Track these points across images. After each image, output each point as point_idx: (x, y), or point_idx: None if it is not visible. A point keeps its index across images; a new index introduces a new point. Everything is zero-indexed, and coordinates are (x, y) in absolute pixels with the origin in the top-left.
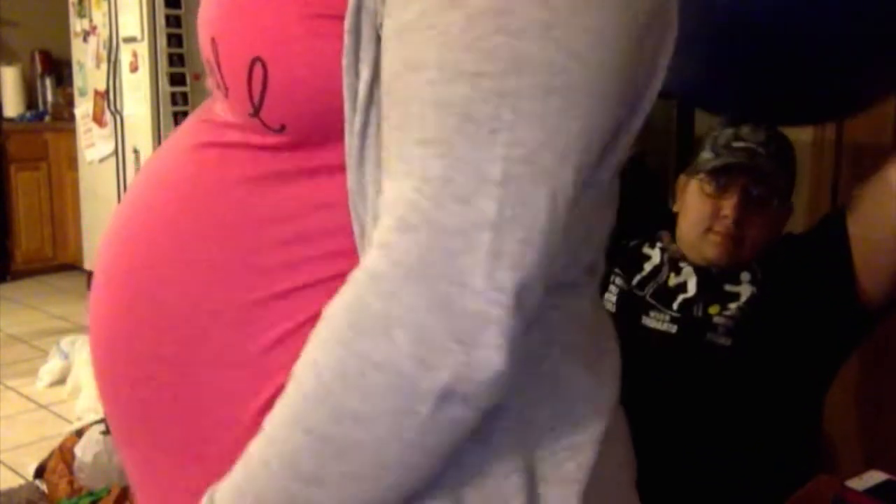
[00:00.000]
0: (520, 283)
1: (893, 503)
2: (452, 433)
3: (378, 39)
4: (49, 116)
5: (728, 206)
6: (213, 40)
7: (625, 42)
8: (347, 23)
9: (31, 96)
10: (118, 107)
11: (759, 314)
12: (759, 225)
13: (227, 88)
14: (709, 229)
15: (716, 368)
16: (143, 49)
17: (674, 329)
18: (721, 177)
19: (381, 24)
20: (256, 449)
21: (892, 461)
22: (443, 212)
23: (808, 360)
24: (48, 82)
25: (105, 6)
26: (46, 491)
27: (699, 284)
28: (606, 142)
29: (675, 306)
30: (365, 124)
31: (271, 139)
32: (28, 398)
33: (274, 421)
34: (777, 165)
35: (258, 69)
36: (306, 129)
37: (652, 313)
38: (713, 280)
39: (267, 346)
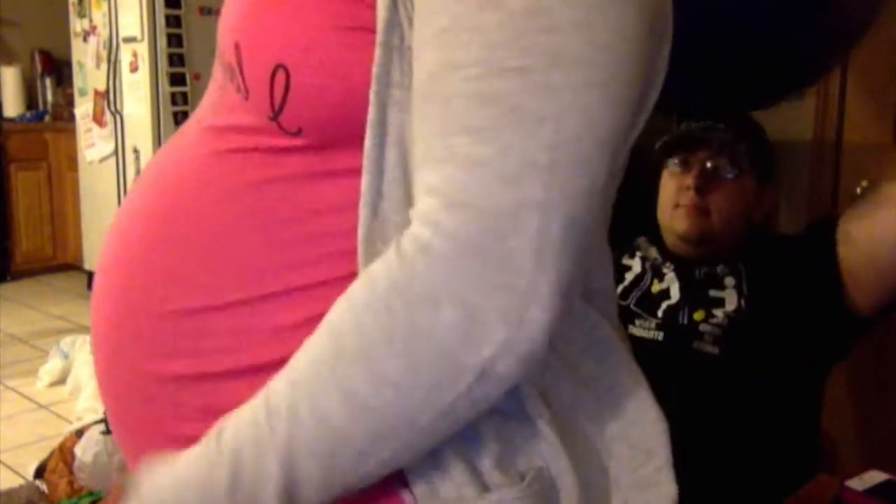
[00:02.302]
0: (564, 265)
1: (893, 503)
2: (481, 407)
3: (405, 50)
4: (49, 116)
5: (689, 178)
6: (236, 45)
7: (643, 38)
8: (380, 37)
9: (31, 96)
10: (118, 107)
11: (746, 322)
12: (723, 194)
13: (248, 91)
14: (676, 205)
15: (705, 377)
16: (143, 49)
17: (660, 336)
18: (680, 153)
19: (406, 36)
20: (283, 391)
21: (892, 461)
22: (492, 193)
23: (798, 366)
24: (48, 82)
25: (105, 6)
26: (46, 491)
27: (682, 290)
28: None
29: (659, 313)
30: (385, 129)
31: (286, 142)
32: (28, 398)
33: (303, 369)
34: (735, 136)
35: (281, 75)
36: (322, 134)
37: (637, 322)
38: (697, 284)
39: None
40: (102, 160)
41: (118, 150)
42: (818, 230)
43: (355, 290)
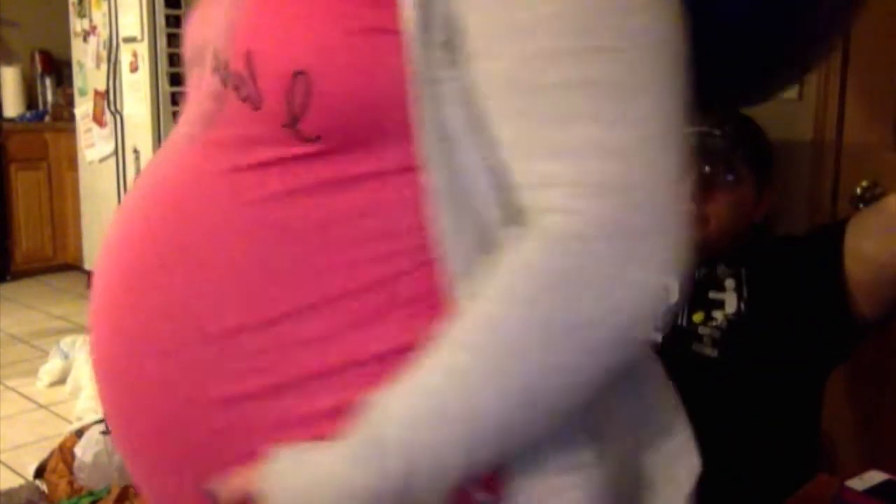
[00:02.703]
0: (686, 237)
1: (893, 503)
2: (614, 379)
3: (446, 48)
4: (49, 116)
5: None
6: (247, 54)
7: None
8: (417, 35)
9: (31, 96)
10: (118, 107)
11: (745, 325)
12: (721, 201)
13: (260, 100)
14: None
15: (704, 379)
16: (143, 49)
17: (658, 338)
18: None
19: (450, 32)
20: (447, 390)
21: (892, 461)
22: (622, 172)
23: (798, 368)
24: (48, 82)
25: (105, 6)
26: (46, 491)
27: (681, 292)
28: None
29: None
30: (444, 126)
31: (304, 149)
32: (28, 398)
33: (467, 364)
34: (732, 144)
35: (301, 82)
36: (343, 139)
37: None
38: (696, 286)
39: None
40: (102, 160)
41: (118, 150)
42: (825, 236)
43: (512, 285)
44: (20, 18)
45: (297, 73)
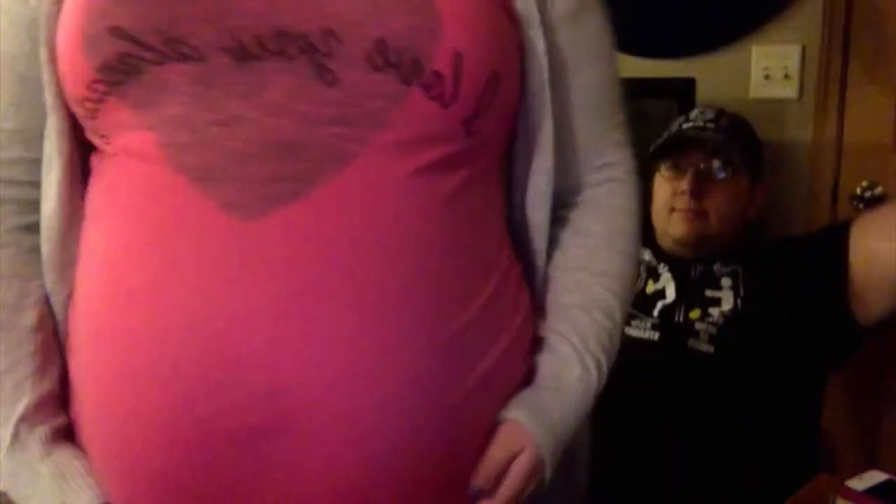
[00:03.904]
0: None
1: (893, 503)
2: None
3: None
4: None
5: (684, 182)
6: (456, 55)
7: None
8: (542, 46)
9: None
10: None
11: (742, 322)
12: (718, 196)
13: (454, 100)
14: (672, 209)
15: (701, 375)
16: None
17: (656, 336)
18: (672, 157)
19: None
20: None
21: (892, 461)
22: (631, 157)
23: (795, 366)
24: None
25: None
26: None
27: (678, 290)
28: None
29: (655, 313)
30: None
31: (466, 145)
32: None
33: (610, 290)
34: (727, 138)
35: (493, 84)
36: (490, 137)
37: (633, 322)
38: (693, 283)
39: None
40: None
41: None
42: (829, 236)
43: (623, 221)
44: None
45: (493, 76)
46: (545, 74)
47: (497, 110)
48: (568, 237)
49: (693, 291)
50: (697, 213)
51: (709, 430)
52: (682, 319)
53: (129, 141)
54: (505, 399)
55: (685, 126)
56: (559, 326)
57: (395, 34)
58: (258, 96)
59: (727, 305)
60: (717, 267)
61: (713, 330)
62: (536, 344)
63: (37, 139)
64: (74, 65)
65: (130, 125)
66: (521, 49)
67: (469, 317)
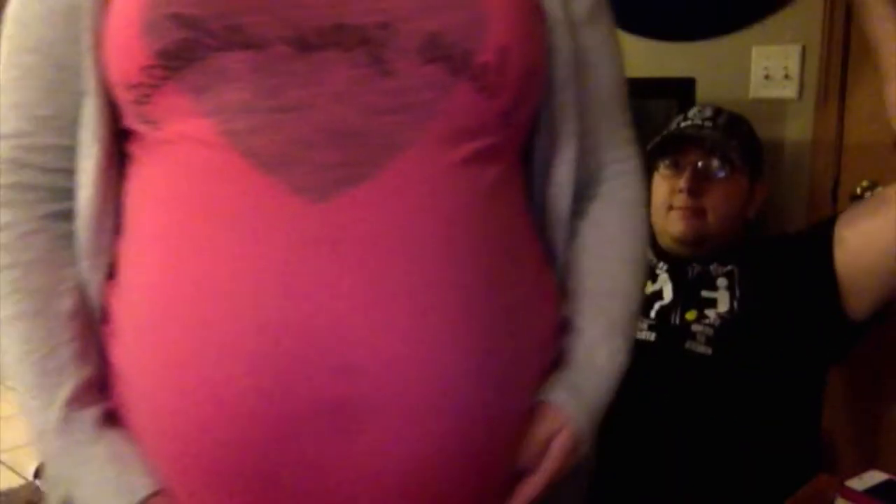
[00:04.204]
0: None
1: (893, 503)
2: None
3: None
4: None
5: (682, 180)
6: (503, 48)
7: None
8: (568, 43)
9: None
10: None
11: (738, 324)
12: (717, 194)
13: (499, 91)
14: (670, 207)
15: (698, 377)
16: None
17: (652, 337)
18: (670, 155)
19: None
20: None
21: (892, 461)
22: (636, 153)
23: (793, 367)
24: None
25: None
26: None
27: (675, 291)
28: None
29: (652, 314)
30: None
31: (504, 135)
32: None
33: (629, 271)
34: (725, 135)
35: (534, 76)
36: (523, 129)
37: None
38: (689, 285)
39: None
40: None
41: None
42: (816, 232)
43: (637, 212)
44: None
45: (531, 70)
46: (570, 70)
47: (528, 104)
48: (586, 227)
49: (689, 292)
50: (695, 211)
51: (708, 432)
52: (678, 321)
53: (185, 127)
54: (540, 378)
55: (683, 124)
56: (587, 310)
57: (446, 28)
58: (319, 85)
59: (723, 307)
60: (713, 267)
61: (710, 332)
62: (563, 326)
63: (70, 126)
64: (129, 50)
65: (186, 111)
66: (547, 45)
67: (513, 299)
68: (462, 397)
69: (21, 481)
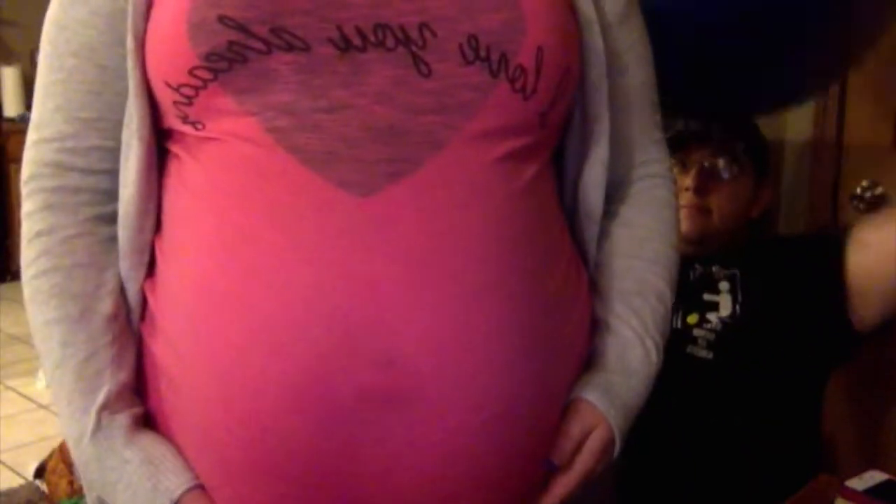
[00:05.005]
0: None
1: (893, 503)
2: None
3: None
4: None
5: (688, 178)
6: (539, 49)
7: None
8: (600, 44)
9: (30, 96)
10: None
11: (740, 328)
12: (722, 194)
13: (534, 92)
14: None
15: (699, 381)
16: None
17: None
18: (678, 153)
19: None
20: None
21: (892, 461)
22: (668, 156)
23: (795, 370)
24: None
25: None
26: (46, 491)
27: (677, 293)
28: None
29: None
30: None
31: (540, 136)
32: (28, 398)
33: (661, 276)
34: (732, 134)
35: (567, 77)
36: (557, 129)
37: None
38: (691, 287)
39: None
40: None
41: None
42: (824, 242)
43: (667, 213)
44: (20, 18)
45: (566, 71)
46: (602, 70)
47: (563, 104)
48: (617, 228)
49: (691, 295)
50: (701, 210)
51: (708, 433)
52: (679, 324)
53: (230, 125)
54: (575, 377)
55: (690, 123)
56: (619, 310)
57: (485, 30)
58: (361, 85)
59: (725, 311)
60: (715, 269)
61: (711, 336)
62: (596, 326)
63: (113, 128)
64: (176, 51)
65: (231, 111)
66: (581, 46)
67: (551, 297)
68: (503, 392)
69: (21, 481)
